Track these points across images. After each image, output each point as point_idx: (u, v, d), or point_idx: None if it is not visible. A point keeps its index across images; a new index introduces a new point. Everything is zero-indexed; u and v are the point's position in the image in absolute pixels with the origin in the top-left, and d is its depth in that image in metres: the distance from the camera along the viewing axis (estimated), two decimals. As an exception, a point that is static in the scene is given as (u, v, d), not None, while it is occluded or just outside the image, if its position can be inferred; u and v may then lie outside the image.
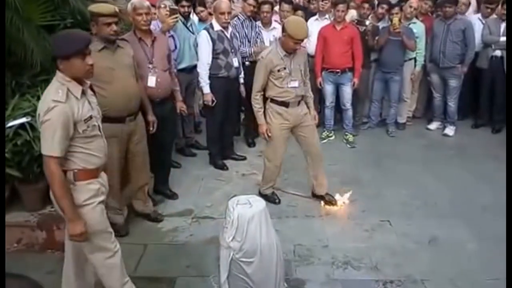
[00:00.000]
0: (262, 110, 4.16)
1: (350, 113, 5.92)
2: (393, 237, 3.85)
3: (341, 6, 5.51)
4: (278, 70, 3.98)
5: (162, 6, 4.74)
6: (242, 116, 6.01)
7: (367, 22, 5.96)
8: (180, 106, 4.47)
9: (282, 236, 3.15)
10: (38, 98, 3.77)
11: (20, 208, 3.68)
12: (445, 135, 6.23)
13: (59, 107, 2.33)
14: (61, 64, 2.41)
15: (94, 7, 3.44)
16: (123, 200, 3.72)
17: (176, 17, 4.54)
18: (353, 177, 4.89)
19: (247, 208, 2.88)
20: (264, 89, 4.12)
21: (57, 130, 2.32)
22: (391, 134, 6.29)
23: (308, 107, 4.28)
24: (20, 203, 3.68)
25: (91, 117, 2.50)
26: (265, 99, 4.19)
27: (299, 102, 4.18)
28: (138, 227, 3.93)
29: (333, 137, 6.06)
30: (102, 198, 2.60)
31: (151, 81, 3.91)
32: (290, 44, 3.88)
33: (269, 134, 4.16)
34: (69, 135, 2.39)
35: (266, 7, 5.58)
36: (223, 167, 5.11)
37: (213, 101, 4.83)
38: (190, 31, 5.18)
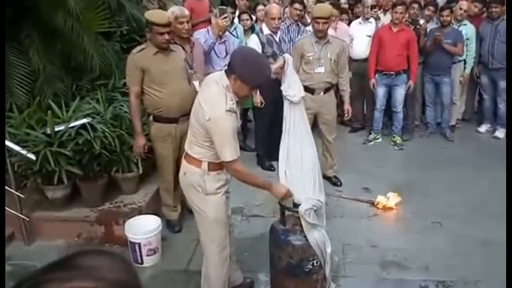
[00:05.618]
0: None
1: (400, 116, 5.86)
2: (444, 239, 3.81)
3: (399, 8, 5.44)
4: (307, 55, 4.28)
5: (213, 15, 4.69)
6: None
7: (421, 21, 5.82)
8: None
9: (330, 236, 3.16)
10: (97, 101, 3.99)
11: (80, 205, 3.87)
12: (496, 137, 6.10)
13: (233, 116, 2.50)
14: (235, 79, 2.49)
15: (149, 16, 3.56)
16: (177, 198, 3.85)
17: (226, 17, 4.51)
18: (401, 179, 4.85)
19: None
20: None
21: (232, 136, 2.52)
22: (450, 138, 6.10)
23: (343, 100, 4.59)
24: (80, 199, 3.87)
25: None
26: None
27: (325, 91, 4.37)
28: (191, 224, 4.02)
29: (380, 140, 6.02)
30: (226, 188, 2.79)
31: (196, 86, 4.03)
32: (313, 24, 4.25)
33: None
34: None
35: None
36: (271, 168, 5.18)
37: (262, 103, 4.93)
38: (233, 35, 5.28)
